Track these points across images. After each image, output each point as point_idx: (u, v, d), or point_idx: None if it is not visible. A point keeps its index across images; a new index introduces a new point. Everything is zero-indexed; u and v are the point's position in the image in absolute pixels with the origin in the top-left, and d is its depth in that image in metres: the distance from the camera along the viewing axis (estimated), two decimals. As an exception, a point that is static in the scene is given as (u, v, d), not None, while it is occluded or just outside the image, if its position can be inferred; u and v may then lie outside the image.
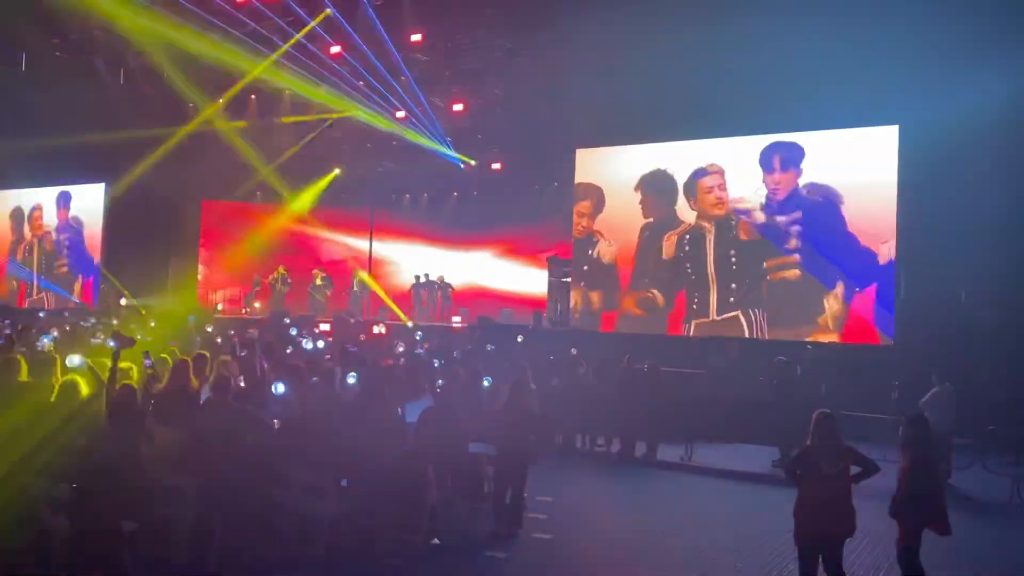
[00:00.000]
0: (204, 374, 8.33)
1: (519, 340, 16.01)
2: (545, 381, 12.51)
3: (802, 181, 16.90)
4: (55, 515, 6.03)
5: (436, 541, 7.61)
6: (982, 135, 14.11)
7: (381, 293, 23.57)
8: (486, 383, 9.81)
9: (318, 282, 23.59)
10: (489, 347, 15.45)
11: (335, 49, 20.06)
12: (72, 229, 26.48)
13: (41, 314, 20.82)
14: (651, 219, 18.71)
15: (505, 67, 20.05)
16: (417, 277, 23.11)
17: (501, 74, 20.37)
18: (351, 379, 9.06)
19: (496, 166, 22.43)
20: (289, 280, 23.90)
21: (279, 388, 8.29)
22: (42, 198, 27.39)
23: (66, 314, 20.40)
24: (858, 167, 16.33)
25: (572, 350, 14.41)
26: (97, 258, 25.48)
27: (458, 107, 21.28)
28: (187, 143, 23.32)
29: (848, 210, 16.34)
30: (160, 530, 6.57)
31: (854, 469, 6.09)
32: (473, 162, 22.70)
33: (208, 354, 9.14)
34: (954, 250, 14.80)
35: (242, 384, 7.96)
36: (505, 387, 9.12)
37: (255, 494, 6.65)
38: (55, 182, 26.34)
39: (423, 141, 22.03)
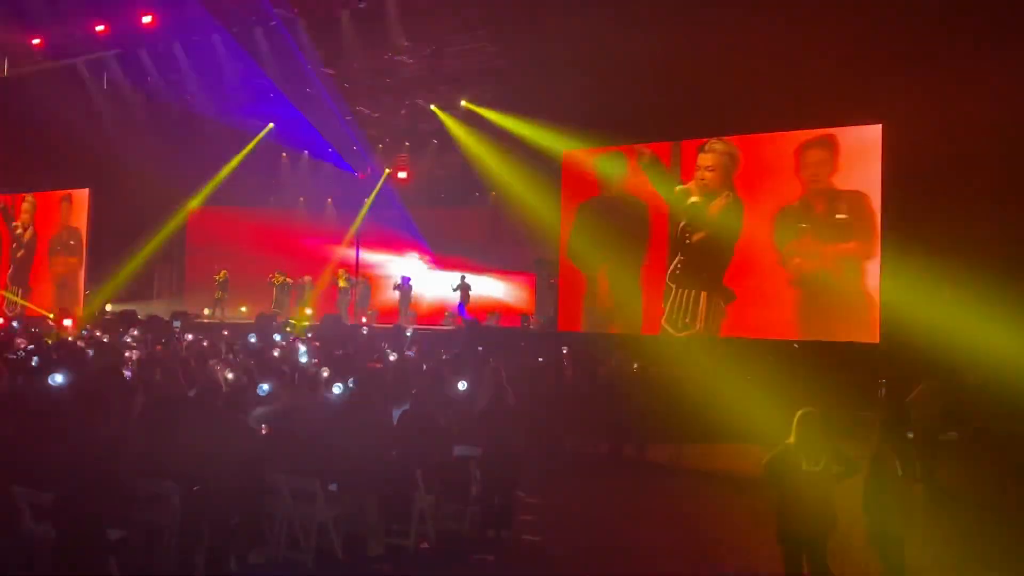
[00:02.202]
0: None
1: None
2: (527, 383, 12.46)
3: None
4: (40, 523, 6.00)
5: (425, 545, 7.61)
6: (967, 132, 14.21)
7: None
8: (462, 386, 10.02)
9: (342, 283, 23.43)
10: (479, 349, 15.50)
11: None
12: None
13: (15, 324, 20.60)
14: (635, 218, 18.80)
15: (491, 69, 20.05)
16: (407, 279, 23.04)
17: (487, 76, 20.38)
18: (337, 389, 9.04)
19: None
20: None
21: (263, 388, 8.31)
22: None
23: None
24: (840, 166, 16.50)
25: (563, 349, 14.50)
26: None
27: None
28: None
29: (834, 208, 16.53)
30: (146, 537, 6.54)
31: (836, 467, 6.12)
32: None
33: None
34: (939, 249, 14.89)
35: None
36: (486, 389, 9.14)
37: (243, 499, 6.63)
38: (38, 187, 26.16)
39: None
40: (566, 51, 17.14)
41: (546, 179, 20.18)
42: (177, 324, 17.78)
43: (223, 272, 23.70)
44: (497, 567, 7.36)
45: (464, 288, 21.92)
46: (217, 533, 6.51)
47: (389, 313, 22.82)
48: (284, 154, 25.01)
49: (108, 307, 23.23)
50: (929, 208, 14.85)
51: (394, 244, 24.53)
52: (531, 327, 19.43)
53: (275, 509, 7.07)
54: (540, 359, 14.37)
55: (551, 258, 20.12)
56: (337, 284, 23.34)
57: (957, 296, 14.96)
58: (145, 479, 6.51)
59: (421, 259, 24.27)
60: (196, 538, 6.47)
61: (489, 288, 23.14)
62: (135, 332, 16.79)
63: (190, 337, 15.76)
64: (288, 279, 23.77)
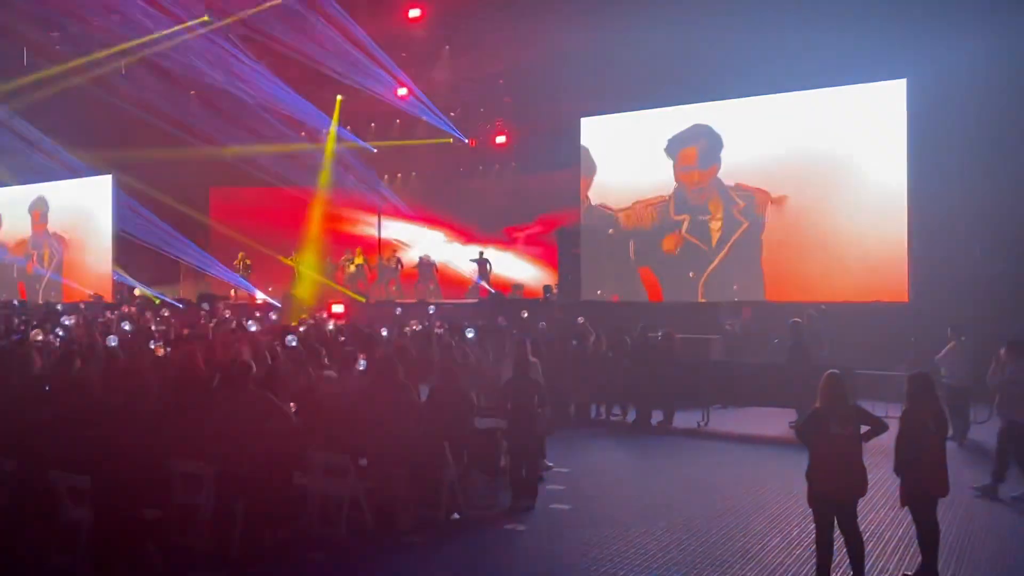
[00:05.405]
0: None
1: (524, 315, 16.09)
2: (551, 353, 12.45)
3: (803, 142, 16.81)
4: (78, 506, 6.13)
5: (456, 516, 7.70)
6: (993, 86, 13.90)
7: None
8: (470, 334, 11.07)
9: (354, 266, 23.44)
10: (500, 320, 15.54)
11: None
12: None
13: (59, 307, 20.97)
14: (658, 188, 18.70)
15: (506, 39, 19.82)
16: (423, 257, 23.02)
17: (502, 46, 20.15)
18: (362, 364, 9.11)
19: (500, 139, 22.33)
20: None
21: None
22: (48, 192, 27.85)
23: (82, 306, 20.53)
24: (865, 123, 16.22)
25: (579, 319, 14.40)
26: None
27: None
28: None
29: (859, 167, 16.27)
30: (182, 517, 6.66)
31: (863, 428, 6.08)
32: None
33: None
34: (968, 205, 14.64)
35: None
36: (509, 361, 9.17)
37: (276, 477, 6.72)
38: (62, 175, 26.41)
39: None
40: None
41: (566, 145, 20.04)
42: (205, 306, 17.95)
43: (242, 255, 23.84)
44: (527, 536, 7.42)
45: (483, 262, 21.86)
46: (251, 511, 6.61)
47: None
48: (303, 132, 24.87)
49: (136, 291, 23.51)
50: (957, 164, 14.57)
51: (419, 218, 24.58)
52: (554, 298, 19.37)
53: (307, 485, 7.16)
54: (564, 328, 14.34)
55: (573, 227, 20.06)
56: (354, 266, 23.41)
57: (987, 253, 14.75)
58: (180, 459, 6.63)
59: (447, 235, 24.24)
60: (230, 517, 6.58)
61: (510, 261, 23.12)
62: (165, 313, 17.02)
63: (219, 317, 15.96)
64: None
